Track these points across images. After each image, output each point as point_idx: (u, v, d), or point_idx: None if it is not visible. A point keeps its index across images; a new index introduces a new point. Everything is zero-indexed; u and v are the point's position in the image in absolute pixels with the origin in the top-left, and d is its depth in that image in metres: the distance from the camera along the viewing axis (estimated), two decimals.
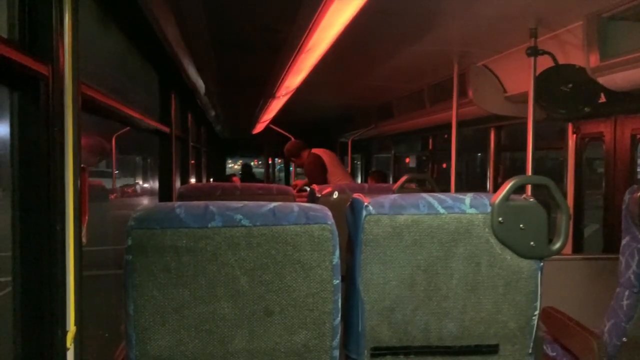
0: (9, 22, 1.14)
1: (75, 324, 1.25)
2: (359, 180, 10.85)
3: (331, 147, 11.11)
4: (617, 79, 2.39)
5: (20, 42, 1.15)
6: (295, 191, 3.63)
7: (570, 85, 2.72)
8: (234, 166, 17.84)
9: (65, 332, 1.21)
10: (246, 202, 1.29)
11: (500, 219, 1.35)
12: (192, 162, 6.08)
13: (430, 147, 6.74)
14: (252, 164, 13.21)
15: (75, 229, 1.25)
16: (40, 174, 1.16)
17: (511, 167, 5.08)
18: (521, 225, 1.36)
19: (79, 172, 1.27)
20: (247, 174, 10.43)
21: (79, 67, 1.28)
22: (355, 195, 1.42)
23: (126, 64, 3.38)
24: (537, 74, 2.71)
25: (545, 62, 2.72)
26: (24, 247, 1.17)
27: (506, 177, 2.72)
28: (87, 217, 1.36)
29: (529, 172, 2.77)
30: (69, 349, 1.23)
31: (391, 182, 7.51)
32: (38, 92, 1.14)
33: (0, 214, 1.26)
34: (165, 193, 3.61)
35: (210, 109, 6.20)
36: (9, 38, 1.13)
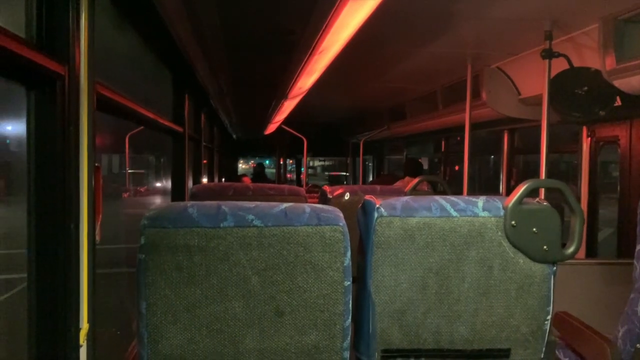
0: (27, 22, 1.16)
1: (89, 321, 1.27)
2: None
3: (343, 148, 11.16)
4: (634, 82, 2.37)
5: (37, 42, 1.16)
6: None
7: (586, 88, 2.69)
8: (243, 166, 17.89)
9: (78, 329, 1.23)
10: (258, 203, 1.30)
11: (513, 222, 1.34)
12: (205, 162, 6.11)
13: (443, 149, 6.71)
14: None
15: (89, 228, 1.26)
16: (56, 173, 1.17)
17: (524, 169, 5.05)
18: (534, 229, 1.35)
19: (93, 170, 1.28)
20: (259, 174, 10.44)
21: (94, 67, 1.29)
22: (367, 197, 1.42)
23: (141, 64, 3.41)
24: (551, 77, 2.69)
25: (560, 65, 2.70)
26: (39, 244, 1.18)
27: (519, 180, 2.70)
28: (101, 216, 1.38)
29: (543, 175, 2.75)
30: (82, 345, 1.24)
31: None
32: (54, 92, 1.16)
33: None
34: (177, 192, 3.64)
35: (223, 109, 6.23)
36: (27, 38, 1.15)
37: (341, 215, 1.30)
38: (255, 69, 4.15)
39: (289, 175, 14.68)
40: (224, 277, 1.24)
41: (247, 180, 8.85)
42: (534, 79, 3.20)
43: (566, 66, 2.71)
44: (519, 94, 3.57)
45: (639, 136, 3.17)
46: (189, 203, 1.28)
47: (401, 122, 6.36)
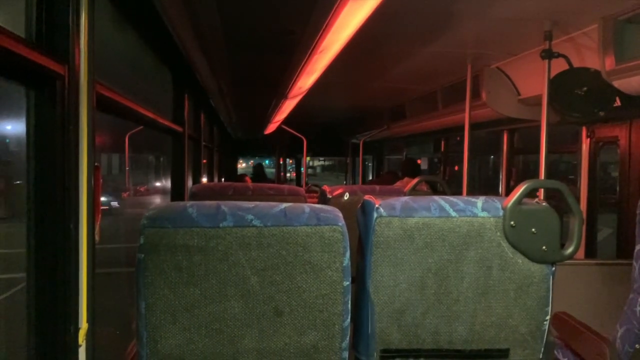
0: (27, 21, 1.16)
1: (88, 321, 1.27)
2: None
3: (343, 148, 11.16)
4: (633, 83, 2.37)
5: (37, 41, 1.16)
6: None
7: (585, 89, 2.69)
8: (242, 166, 17.92)
9: (77, 329, 1.23)
10: (257, 203, 1.30)
11: (512, 222, 1.35)
12: (204, 161, 6.11)
13: (443, 149, 6.71)
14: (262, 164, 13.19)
15: (88, 227, 1.26)
16: (55, 172, 1.17)
17: (524, 170, 5.05)
18: (533, 230, 1.35)
19: (92, 170, 1.28)
20: (258, 174, 10.45)
21: (94, 66, 1.29)
22: (367, 197, 1.42)
23: (141, 64, 3.41)
24: (551, 77, 2.69)
25: (560, 65, 2.70)
26: (38, 244, 1.18)
27: (519, 181, 2.70)
28: (100, 216, 1.38)
29: (542, 175, 2.75)
30: (80, 345, 1.24)
31: None
32: (54, 91, 1.16)
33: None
34: (177, 192, 3.64)
35: (222, 109, 6.23)
36: (26, 38, 1.15)
37: (340, 215, 1.30)
38: (255, 69, 4.15)
39: (283, 174, 14.70)
40: (223, 277, 1.24)
41: (249, 180, 8.85)
42: (533, 79, 3.20)
43: (566, 66, 2.71)
44: (519, 94, 3.57)
45: (638, 137, 3.18)
46: (189, 203, 1.28)
47: (401, 122, 6.36)
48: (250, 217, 1.25)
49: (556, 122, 3.09)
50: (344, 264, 1.27)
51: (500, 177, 4.82)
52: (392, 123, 6.77)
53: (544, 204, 1.39)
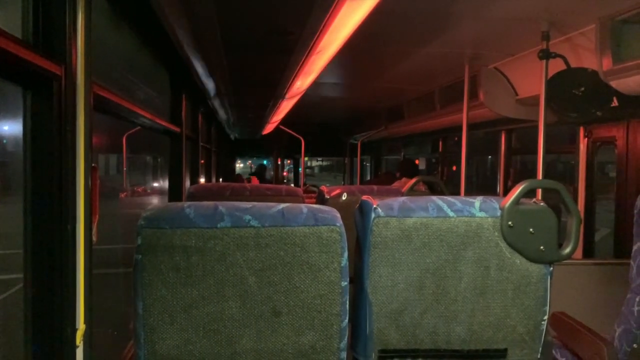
0: (23, 23, 1.16)
1: (85, 322, 1.26)
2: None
3: (341, 149, 11.16)
4: (630, 83, 2.37)
5: (34, 42, 1.16)
6: None
7: (582, 89, 2.70)
8: (240, 165, 17.93)
9: (74, 330, 1.23)
10: (255, 203, 1.30)
11: (510, 222, 1.35)
12: (202, 162, 6.10)
13: (441, 149, 6.72)
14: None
15: (85, 228, 1.26)
16: (52, 173, 1.17)
17: (522, 170, 5.05)
18: (531, 230, 1.35)
19: (89, 171, 1.28)
20: (259, 175, 10.45)
21: (91, 67, 1.29)
22: (364, 197, 1.42)
23: (138, 64, 3.40)
24: (548, 77, 2.69)
25: (557, 65, 2.70)
26: (35, 245, 1.18)
27: (516, 181, 2.70)
28: (97, 217, 1.37)
29: (540, 175, 2.75)
30: (78, 346, 1.24)
31: None
32: (51, 92, 1.16)
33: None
34: (175, 193, 3.63)
35: (220, 110, 6.22)
36: (23, 39, 1.15)
37: (338, 215, 1.30)
38: (253, 69, 4.15)
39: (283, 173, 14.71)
40: (221, 278, 1.24)
41: (255, 180, 8.87)
42: (531, 80, 3.21)
43: (563, 67, 2.71)
44: (516, 94, 3.58)
45: (635, 136, 3.18)
46: (186, 203, 1.27)
47: (399, 122, 6.37)
48: (247, 217, 1.25)
49: (554, 122, 3.09)
50: (342, 264, 1.27)
51: (498, 177, 4.82)
52: (390, 123, 6.77)
53: (541, 204, 1.39)
